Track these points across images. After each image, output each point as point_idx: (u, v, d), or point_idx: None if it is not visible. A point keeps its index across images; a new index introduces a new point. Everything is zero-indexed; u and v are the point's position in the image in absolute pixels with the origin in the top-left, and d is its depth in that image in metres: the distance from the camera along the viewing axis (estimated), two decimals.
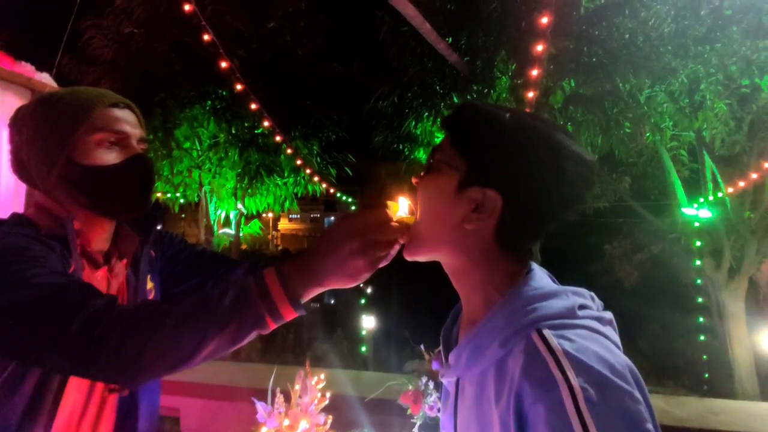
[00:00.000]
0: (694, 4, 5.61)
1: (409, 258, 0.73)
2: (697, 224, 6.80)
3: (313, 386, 1.83)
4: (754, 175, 4.91)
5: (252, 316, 0.69)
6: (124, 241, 0.99)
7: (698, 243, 6.79)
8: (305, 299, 0.72)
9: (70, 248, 0.85)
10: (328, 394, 1.96)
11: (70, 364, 0.69)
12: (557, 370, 0.51)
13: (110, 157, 0.87)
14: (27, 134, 0.87)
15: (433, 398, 1.78)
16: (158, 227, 1.07)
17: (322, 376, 1.94)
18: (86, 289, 0.72)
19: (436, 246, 0.70)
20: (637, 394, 0.50)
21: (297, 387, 1.81)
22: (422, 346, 2.13)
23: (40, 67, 2.44)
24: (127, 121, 0.91)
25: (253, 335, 0.70)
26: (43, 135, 0.85)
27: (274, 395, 1.67)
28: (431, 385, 1.79)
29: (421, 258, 0.72)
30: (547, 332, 0.56)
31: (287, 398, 1.76)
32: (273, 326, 0.70)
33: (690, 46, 5.68)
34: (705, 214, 6.65)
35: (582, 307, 0.62)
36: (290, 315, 0.70)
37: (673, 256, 9.12)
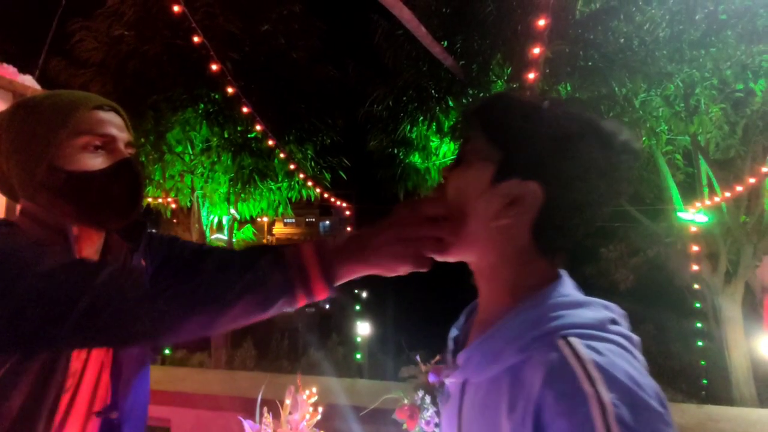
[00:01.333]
0: (689, 8, 5.60)
1: (439, 258, 0.67)
2: (693, 228, 6.79)
3: (305, 401, 1.75)
4: (751, 180, 4.89)
5: (282, 286, 0.64)
6: (112, 251, 0.93)
7: (695, 247, 6.77)
8: (342, 278, 0.67)
9: (72, 254, 0.80)
10: (320, 409, 1.89)
11: (79, 344, 0.68)
12: (587, 383, 0.47)
13: (96, 162, 0.82)
14: (5, 140, 0.81)
15: (429, 413, 1.71)
16: (147, 233, 1.01)
17: (314, 389, 1.87)
18: (89, 266, 0.69)
19: (469, 244, 0.64)
20: (668, 417, 0.47)
21: (287, 402, 1.73)
22: (418, 357, 2.07)
23: (24, 70, 2.36)
24: (114, 123, 0.85)
25: (281, 306, 0.65)
26: (22, 140, 0.80)
27: (262, 413, 1.60)
28: (428, 399, 1.73)
29: (452, 258, 0.67)
30: (574, 340, 0.52)
31: (278, 414, 1.69)
32: (302, 301, 0.66)
33: (685, 50, 5.68)
34: (701, 218, 6.64)
35: (612, 322, 0.57)
36: (322, 292, 0.65)
37: (668, 259, 9.12)
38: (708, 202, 6.40)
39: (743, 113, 6.25)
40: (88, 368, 0.82)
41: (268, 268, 0.65)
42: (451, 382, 0.69)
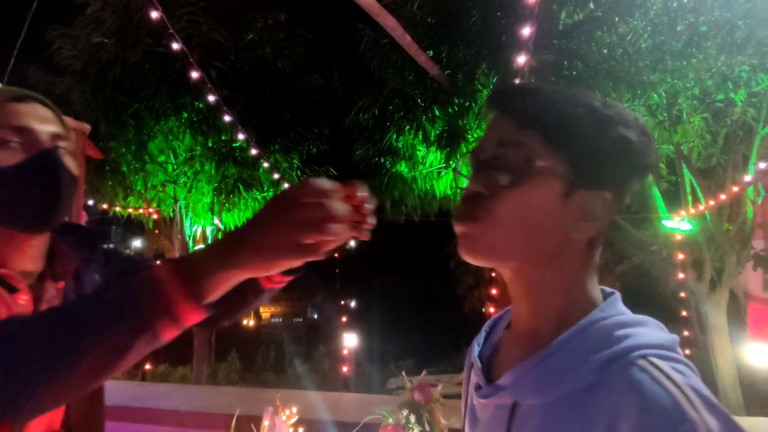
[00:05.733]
0: (671, 19, 5.70)
1: (475, 263, 0.60)
2: (678, 236, 6.85)
3: (284, 422, 1.67)
4: (735, 188, 4.95)
5: (135, 324, 0.51)
6: (60, 260, 0.85)
7: (680, 255, 6.83)
8: (215, 291, 0.54)
9: None
10: (300, 430, 1.81)
11: None
12: (691, 409, 0.44)
13: (8, 156, 0.75)
14: None
15: None
16: (106, 245, 0.93)
17: (294, 410, 1.79)
18: None
19: (528, 260, 0.58)
20: None
21: (265, 423, 1.65)
22: (404, 373, 2.00)
23: None
24: (35, 115, 0.78)
25: (144, 346, 0.52)
26: None
27: None
28: (413, 418, 1.65)
29: (491, 266, 0.60)
30: (660, 362, 0.49)
31: None
32: (172, 332, 0.53)
33: (667, 60, 5.76)
34: (685, 226, 6.71)
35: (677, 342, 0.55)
36: (193, 315, 0.53)
37: (653, 267, 9.20)
38: (692, 210, 6.47)
39: (724, 123, 6.35)
40: None
41: (112, 308, 0.52)
42: (484, 403, 0.62)
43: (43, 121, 0.79)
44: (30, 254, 0.81)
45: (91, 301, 0.54)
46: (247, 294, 0.84)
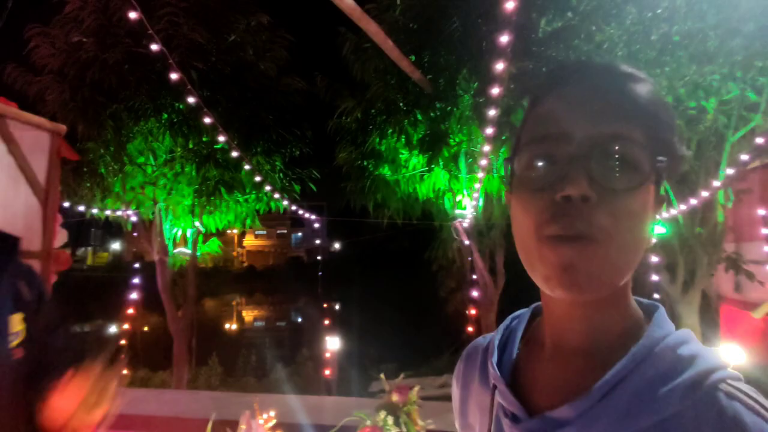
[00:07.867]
0: (645, 29, 5.87)
1: (583, 297, 0.49)
2: (653, 240, 7.02)
3: (261, 426, 1.68)
4: (705, 193, 5.11)
5: None
6: None
7: (654, 258, 7.00)
8: None
9: None
10: None
11: None
12: None
13: None
14: None
15: None
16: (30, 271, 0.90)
17: (272, 413, 1.80)
18: None
19: (619, 282, 0.49)
20: None
21: (242, 427, 1.65)
22: (382, 375, 2.02)
23: None
24: None
25: None
26: None
27: None
28: (390, 420, 1.68)
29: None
30: (740, 386, 0.46)
31: None
32: None
33: (642, 69, 5.91)
34: (660, 229, 6.88)
35: None
36: None
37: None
38: (665, 214, 6.64)
39: (696, 130, 6.54)
40: None
41: None
42: None
43: None
44: None
45: None
46: None
